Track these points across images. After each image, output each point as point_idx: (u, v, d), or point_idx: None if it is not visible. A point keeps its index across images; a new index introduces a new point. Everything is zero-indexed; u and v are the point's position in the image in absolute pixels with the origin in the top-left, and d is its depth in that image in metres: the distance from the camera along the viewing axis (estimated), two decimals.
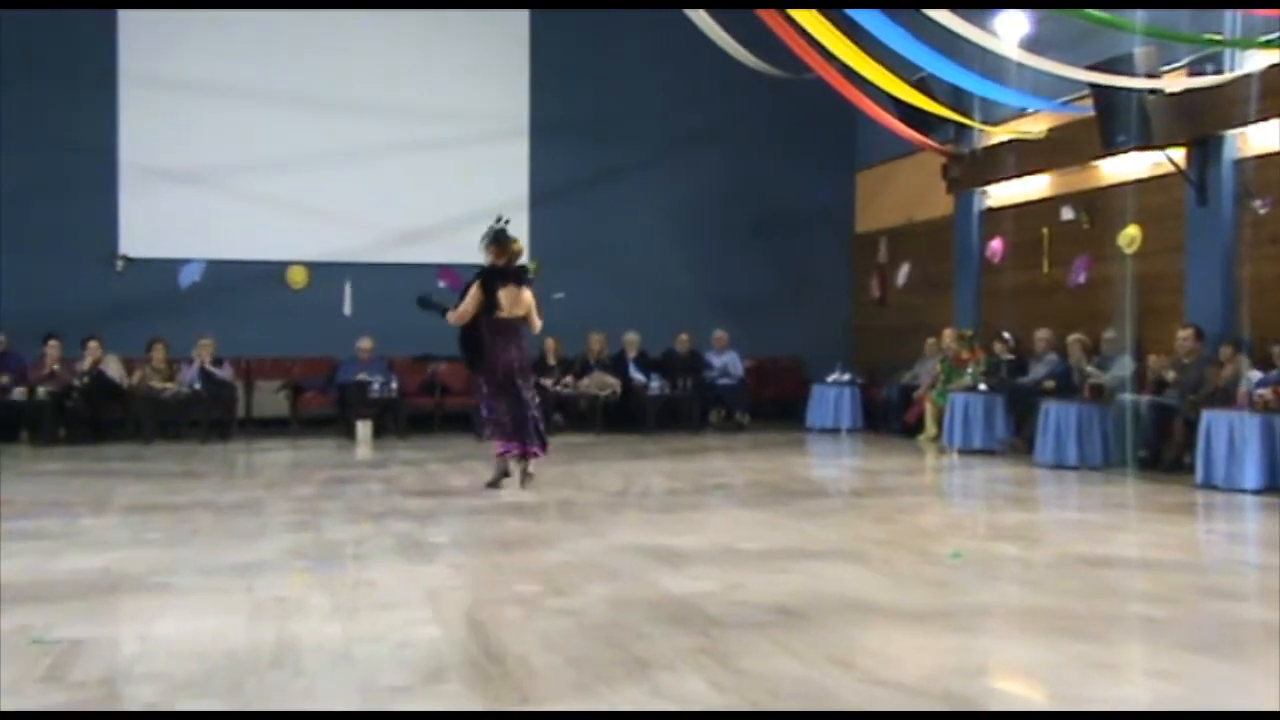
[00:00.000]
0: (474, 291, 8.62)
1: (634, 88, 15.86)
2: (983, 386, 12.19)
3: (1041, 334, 12.26)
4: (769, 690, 3.79)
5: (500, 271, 8.64)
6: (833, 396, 14.76)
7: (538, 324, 8.86)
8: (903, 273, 15.61)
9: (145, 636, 4.41)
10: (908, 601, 5.13)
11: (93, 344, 13.19)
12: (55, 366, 13.01)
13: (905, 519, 7.67)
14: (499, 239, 8.68)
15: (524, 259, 9.05)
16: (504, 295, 8.58)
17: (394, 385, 13.78)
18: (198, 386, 13.29)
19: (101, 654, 4.16)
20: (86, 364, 13.10)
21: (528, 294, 8.72)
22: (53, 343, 13.10)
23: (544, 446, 8.88)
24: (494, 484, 8.81)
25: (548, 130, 15.68)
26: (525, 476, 8.76)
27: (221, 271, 14.71)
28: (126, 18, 14.59)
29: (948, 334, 13.41)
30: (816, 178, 16.54)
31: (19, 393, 12.79)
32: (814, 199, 16.54)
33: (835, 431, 14.45)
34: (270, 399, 14.45)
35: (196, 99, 14.71)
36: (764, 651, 4.26)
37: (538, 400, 8.96)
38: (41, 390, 12.74)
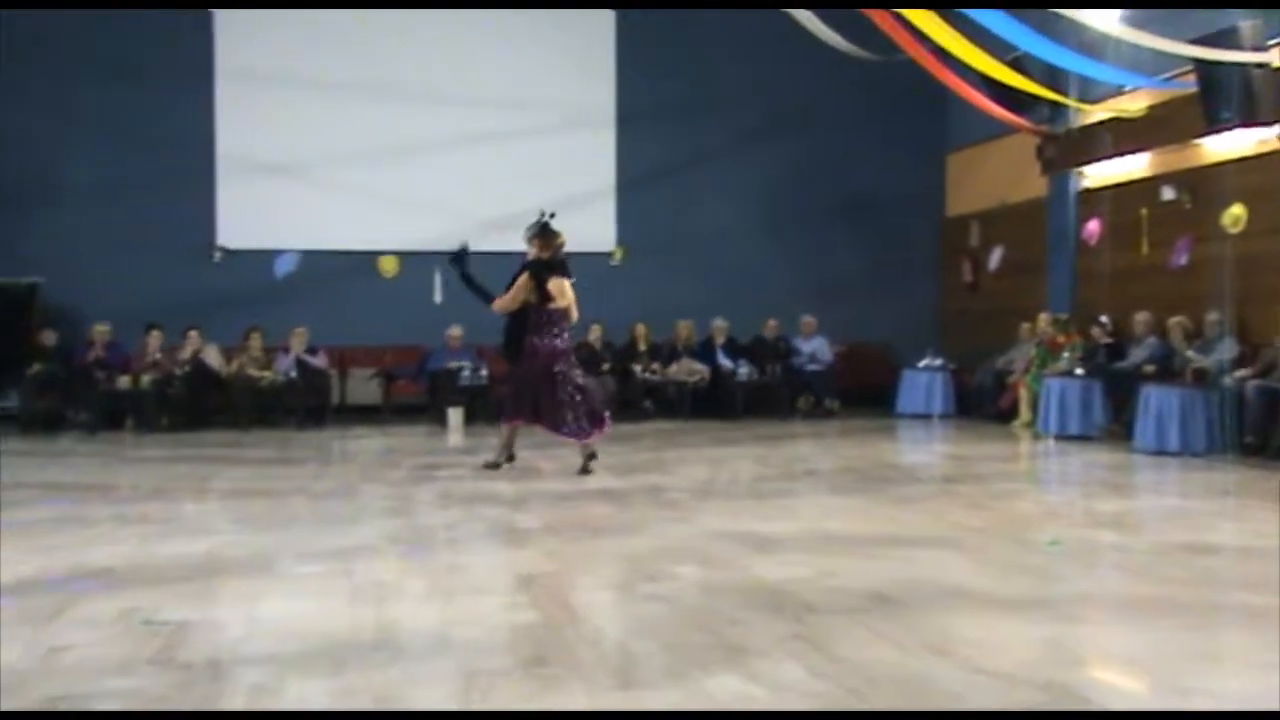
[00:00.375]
0: (524, 281, 8.88)
1: (720, 72, 15.77)
2: (1079, 371, 11.94)
3: (1140, 317, 11.97)
4: (867, 677, 3.76)
5: (548, 264, 8.91)
6: (924, 382, 14.58)
7: (576, 314, 9.13)
8: (995, 256, 15.34)
9: (250, 619, 4.51)
10: (1005, 589, 5.05)
11: (193, 334, 13.51)
12: (157, 356, 13.35)
13: (1000, 506, 7.56)
14: (545, 232, 9.00)
15: (566, 249, 9.20)
16: (553, 286, 8.85)
17: (484, 372, 13.90)
18: (293, 375, 13.55)
19: (208, 635, 4.27)
20: (187, 353, 13.43)
21: (569, 285, 8.99)
22: (154, 333, 13.45)
23: (599, 426, 9.06)
24: (494, 465, 9.26)
25: (635, 117, 15.67)
26: (588, 459, 9.00)
27: (315, 261, 14.94)
28: (222, 15, 14.88)
29: (1042, 318, 13.15)
30: (905, 161, 16.31)
31: (123, 382, 13.17)
32: (903, 182, 16.32)
33: (926, 418, 14.28)
34: (363, 386, 14.68)
35: (290, 92, 14.96)
36: (860, 639, 4.22)
37: (584, 385, 9.17)
38: (144, 379, 13.10)
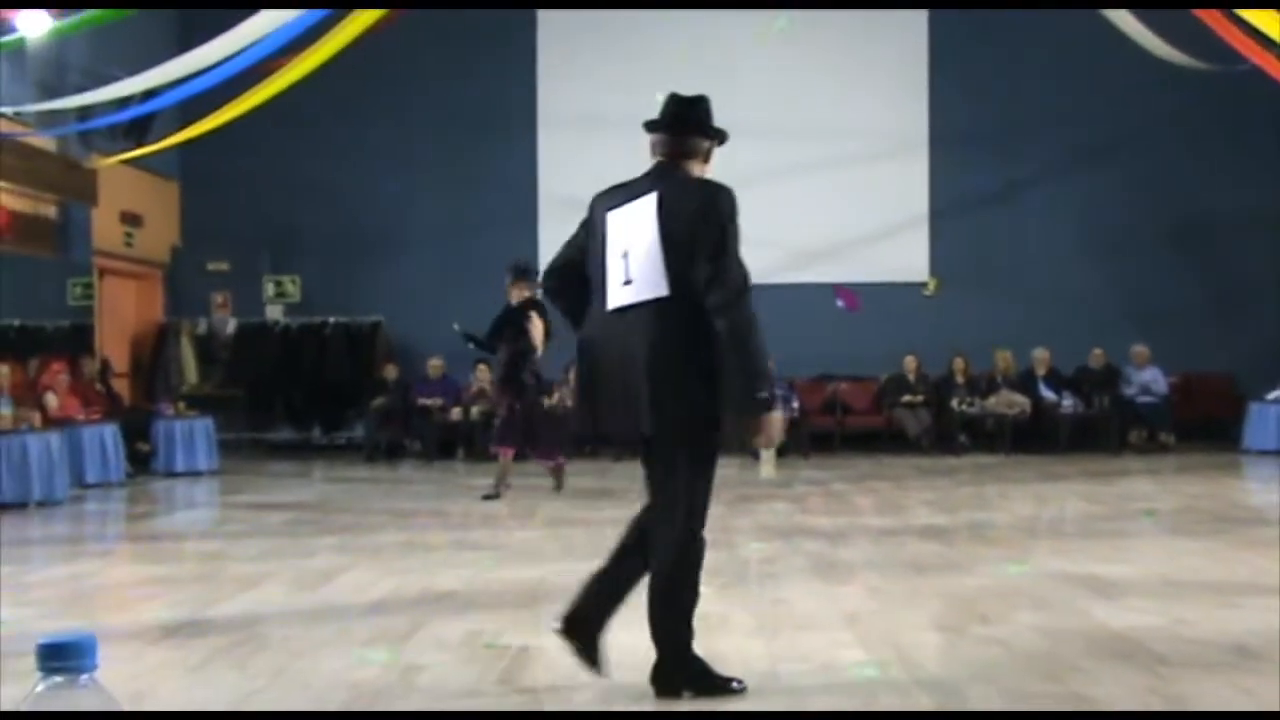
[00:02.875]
0: (539, 319, 9.66)
1: (1038, 91, 15.15)
2: None
3: None
4: None
5: (541, 304, 9.50)
6: (1274, 415, 13.40)
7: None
8: None
9: None
10: None
11: (481, 367, 14.17)
12: (485, 388, 14.09)
13: None
14: (529, 274, 9.81)
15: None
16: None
17: (795, 405, 13.87)
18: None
19: (547, 661, 4.41)
20: (474, 388, 14.10)
21: None
22: (481, 367, 14.20)
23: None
24: (494, 495, 9.83)
25: (948, 142, 15.28)
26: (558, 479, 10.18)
27: None
28: (544, 63, 15.64)
29: None
30: (1249, 178, 15.11)
31: (454, 413, 13.97)
32: (1246, 201, 15.13)
33: (1278, 454, 13.11)
34: None
35: (604, 131, 15.48)
36: (1223, 696, 3.89)
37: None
38: (474, 410, 13.85)
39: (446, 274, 15.37)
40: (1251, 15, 9.36)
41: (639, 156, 15.74)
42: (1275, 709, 3.72)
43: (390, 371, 14.58)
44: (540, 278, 4.40)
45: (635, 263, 3.85)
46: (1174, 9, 10.87)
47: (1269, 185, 15.24)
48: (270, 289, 15.75)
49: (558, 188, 15.54)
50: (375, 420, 14.20)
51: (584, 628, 3.89)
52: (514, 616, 5.19)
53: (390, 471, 12.71)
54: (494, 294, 15.42)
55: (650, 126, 4.13)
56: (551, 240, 15.49)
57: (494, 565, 6.57)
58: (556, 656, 4.47)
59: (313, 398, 15.05)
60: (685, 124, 4.14)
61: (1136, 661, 4.32)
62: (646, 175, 4.05)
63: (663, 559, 3.85)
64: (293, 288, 15.73)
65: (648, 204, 3.87)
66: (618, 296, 3.87)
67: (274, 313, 15.60)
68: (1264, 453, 13.18)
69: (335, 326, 15.05)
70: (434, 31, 14.80)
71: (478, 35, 15.12)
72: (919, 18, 15.33)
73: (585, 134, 15.49)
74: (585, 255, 4.08)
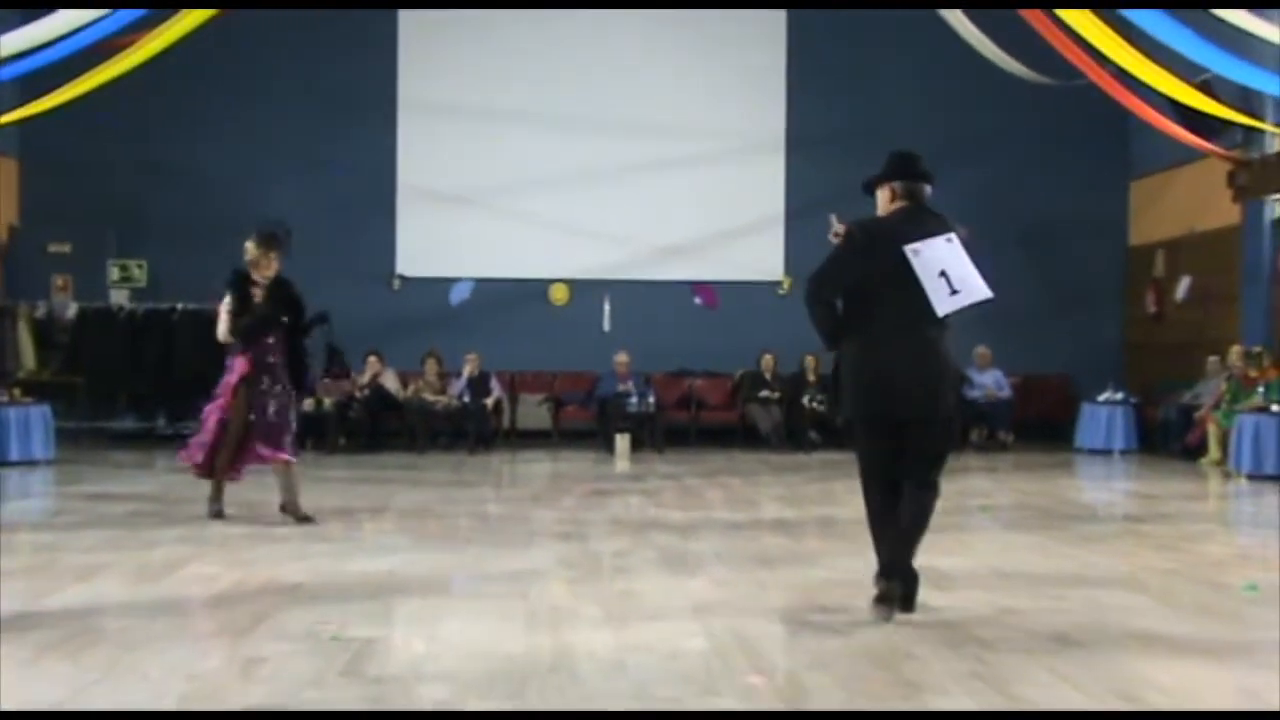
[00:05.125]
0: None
1: (893, 98, 15.55)
2: (1276, 408, 11.36)
3: None
4: None
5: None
6: (1105, 416, 14.07)
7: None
8: (1183, 286, 14.72)
9: (432, 638, 4.64)
10: (1199, 635, 4.83)
11: (372, 358, 14.00)
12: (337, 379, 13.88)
13: (1190, 547, 7.23)
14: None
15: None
16: None
17: (651, 399, 14.02)
18: (466, 399, 13.89)
19: (394, 653, 4.40)
20: (366, 377, 13.91)
21: None
22: (334, 357, 13.97)
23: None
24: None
25: (805, 143, 15.59)
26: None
27: (489, 289, 15.35)
28: (405, 48, 15.45)
29: (1235, 351, 12.55)
30: (1086, 188, 15.81)
31: (306, 404, 13.70)
32: (1083, 210, 15.82)
33: (1107, 453, 13.76)
34: (533, 412, 14.97)
35: (467, 124, 15.42)
36: (1042, 681, 4.10)
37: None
38: (326, 402, 13.62)
39: (300, 261, 14.96)
40: (1070, 18, 9.78)
41: (497, 149, 15.75)
42: (1095, 692, 3.93)
43: None
44: (826, 293, 5.20)
45: (955, 279, 5.17)
46: (1008, 10, 11.28)
47: (1107, 195, 15.97)
48: (115, 273, 15.21)
49: (416, 177, 15.40)
50: None
51: (898, 569, 5.06)
52: (361, 608, 5.15)
53: None
54: (352, 287, 15.29)
55: (919, 176, 5.51)
56: (409, 229, 15.57)
57: (343, 557, 6.50)
58: (403, 648, 4.47)
59: (159, 386, 14.58)
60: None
61: (964, 649, 4.52)
62: (918, 212, 5.40)
63: (929, 503, 5.09)
64: (139, 272, 15.22)
65: (951, 237, 5.31)
66: (944, 305, 5.06)
67: (119, 297, 15.07)
68: (1095, 451, 13.84)
69: (184, 313, 14.59)
70: (292, 10, 14.42)
71: (337, 17, 14.82)
72: (778, 21, 15.61)
73: (445, 125, 15.36)
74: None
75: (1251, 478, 11.06)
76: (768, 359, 14.54)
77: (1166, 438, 13.55)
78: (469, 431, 13.79)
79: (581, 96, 15.50)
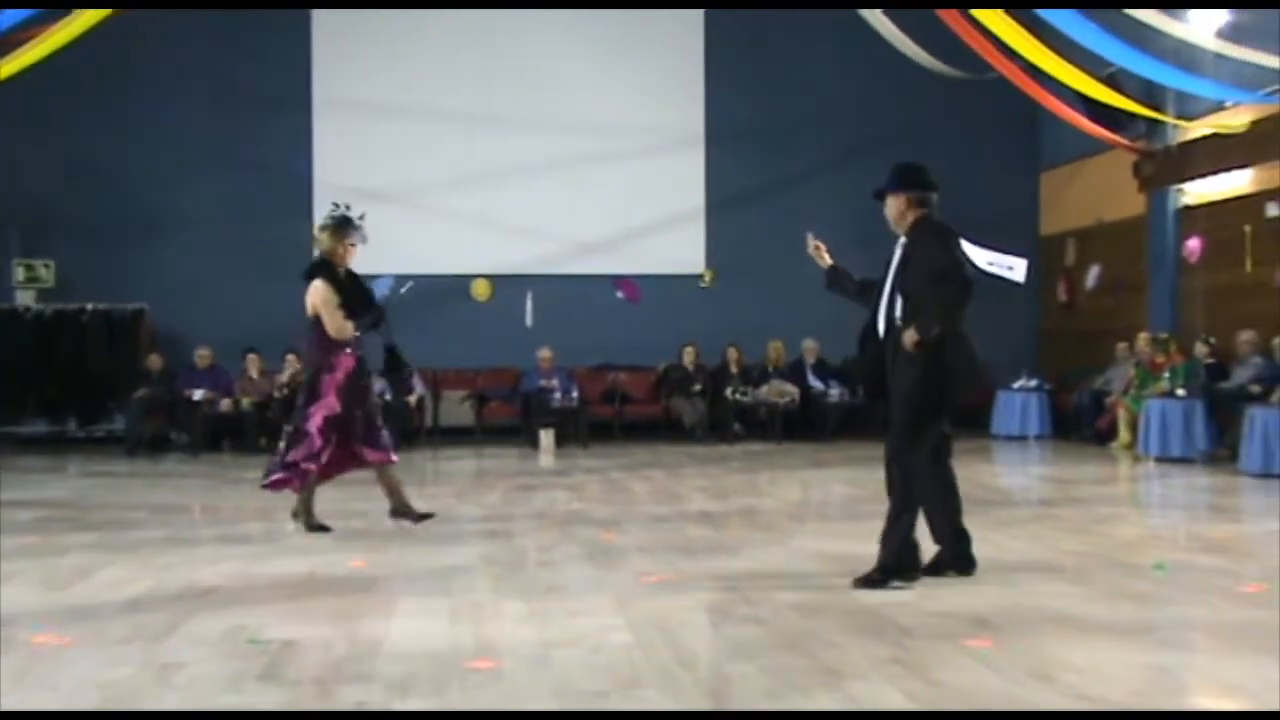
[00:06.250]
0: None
1: (810, 92, 15.69)
2: (1181, 392, 11.66)
3: (1245, 336, 11.65)
4: (967, 703, 3.71)
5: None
6: (1019, 403, 14.35)
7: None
8: (1092, 275, 15.05)
9: (352, 638, 4.59)
10: (1110, 615, 4.95)
11: (290, 357, 13.77)
12: (255, 379, 13.68)
13: (1102, 530, 7.40)
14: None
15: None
16: None
17: (575, 394, 14.01)
18: (388, 397, 13.73)
19: (313, 654, 4.35)
20: (285, 376, 13.71)
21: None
22: (251, 356, 13.81)
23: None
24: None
25: (724, 138, 15.68)
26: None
27: (409, 286, 15.18)
28: (319, 44, 15.24)
29: (1142, 338, 12.86)
30: (998, 179, 16.08)
31: (224, 404, 13.50)
32: (996, 201, 16.07)
33: (1022, 439, 14.04)
34: (455, 408, 14.86)
35: (383, 120, 15.26)
36: (960, 664, 4.17)
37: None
38: (244, 401, 13.42)
39: (216, 260, 14.81)
40: (984, 16, 9.96)
41: (416, 146, 15.64)
42: (1010, 673, 4.01)
43: (154, 361, 13.95)
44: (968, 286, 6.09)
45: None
46: (921, 9, 11.44)
47: (1018, 186, 16.26)
48: (20, 273, 14.82)
49: (333, 175, 15.18)
50: (137, 412, 13.55)
51: (950, 543, 5.79)
52: (279, 610, 5.09)
53: (153, 465, 12.18)
54: (268, 285, 15.03)
55: (931, 186, 6.21)
56: None
57: (262, 559, 6.40)
58: (322, 650, 4.41)
59: (69, 389, 14.25)
60: None
61: (885, 635, 4.58)
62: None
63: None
64: (46, 272, 14.84)
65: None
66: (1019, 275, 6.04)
67: (24, 298, 14.69)
68: (1010, 437, 14.11)
69: (94, 314, 14.29)
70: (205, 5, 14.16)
71: (250, 13, 14.56)
72: (695, 18, 15.66)
73: (362, 123, 15.20)
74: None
75: (1160, 460, 11.35)
76: (690, 352, 14.61)
77: (1079, 423, 13.84)
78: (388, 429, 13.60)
79: (502, 93, 15.42)
